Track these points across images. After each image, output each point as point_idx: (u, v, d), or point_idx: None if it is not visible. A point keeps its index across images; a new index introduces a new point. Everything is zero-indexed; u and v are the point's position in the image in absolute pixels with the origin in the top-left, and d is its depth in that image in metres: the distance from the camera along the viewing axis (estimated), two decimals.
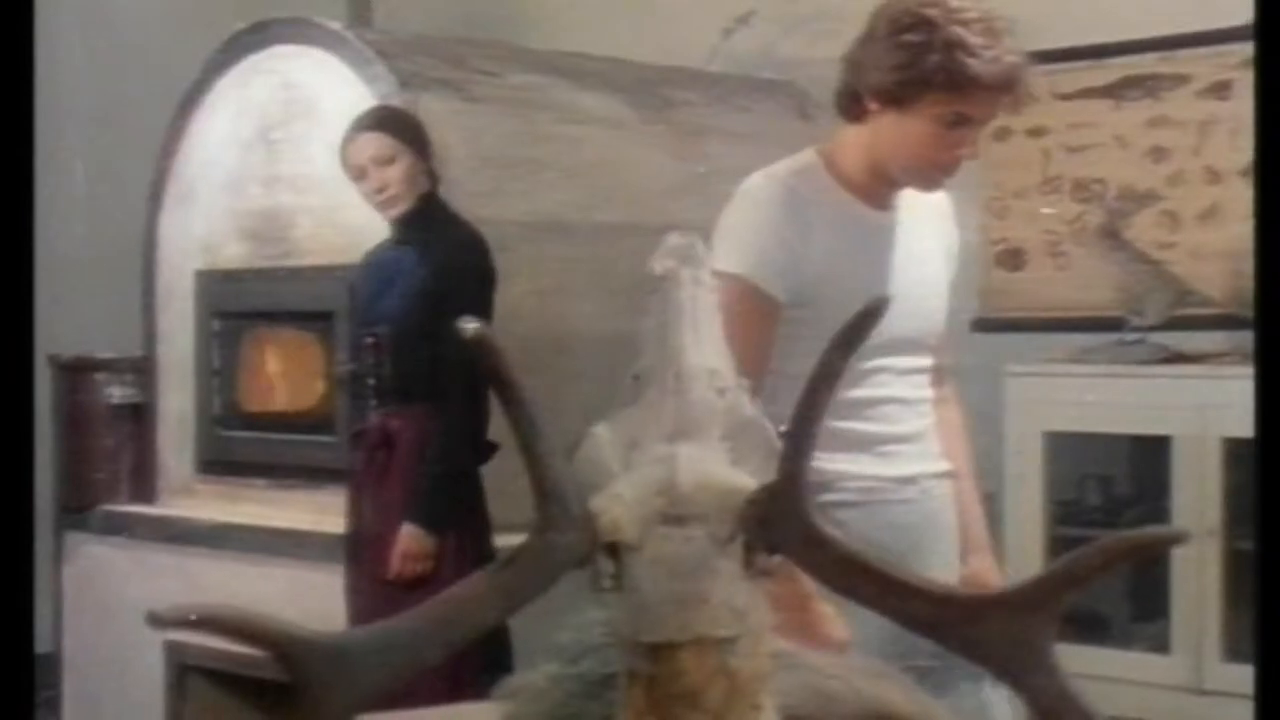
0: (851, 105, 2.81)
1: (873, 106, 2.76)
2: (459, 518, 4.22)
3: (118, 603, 5.35)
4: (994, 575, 3.03)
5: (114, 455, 5.60)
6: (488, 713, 1.84)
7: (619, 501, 1.46)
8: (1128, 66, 4.95)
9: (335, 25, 5.17)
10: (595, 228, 4.93)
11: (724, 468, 1.48)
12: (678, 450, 1.48)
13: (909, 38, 2.68)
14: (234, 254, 5.37)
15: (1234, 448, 4.14)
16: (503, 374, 1.43)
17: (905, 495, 2.86)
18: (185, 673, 5.19)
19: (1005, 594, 1.41)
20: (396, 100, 4.69)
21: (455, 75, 5.02)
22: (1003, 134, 5.24)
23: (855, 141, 2.84)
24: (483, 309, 4.20)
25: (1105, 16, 5.06)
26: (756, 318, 2.73)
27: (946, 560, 2.91)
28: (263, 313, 5.37)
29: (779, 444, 1.48)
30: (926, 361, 2.94)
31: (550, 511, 1.45)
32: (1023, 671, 1.37)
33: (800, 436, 1.43)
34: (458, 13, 6.46)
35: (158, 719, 5.29)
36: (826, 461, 2.76)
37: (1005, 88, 2.70)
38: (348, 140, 4.41)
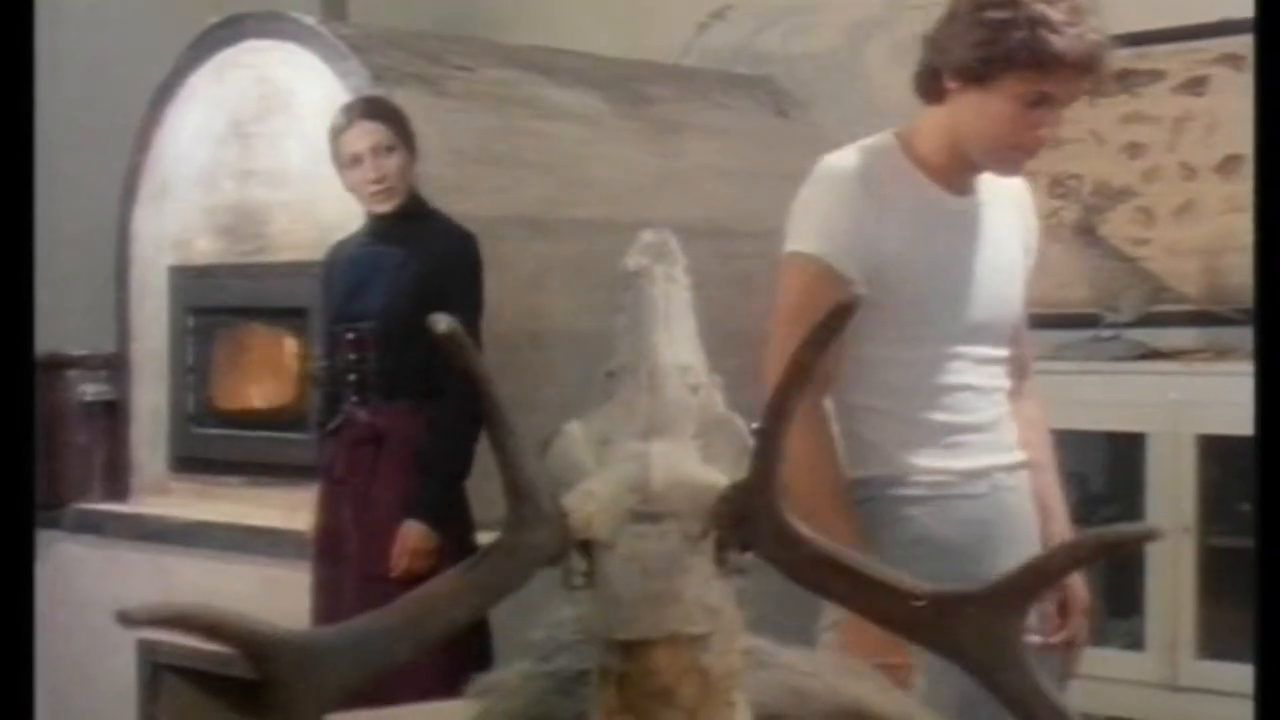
0: (931, 85, 2.77)
1: (952, 85, 2.71)
2: (455, 514, 4.22)
3: (91, 601, 5.32)
4: (1074, 591, 2.97)
5: (87, 453, 5.58)
6: (461, 710, 1.83)
7: (591, 499, 1.45)
8: None
9: (309, 20, 5.16)
10: (570, 223, 4.93)
11: (697, 465, 1.48)
12: (651, 447, 1.47)
13: (992, 14, 2.65)
14: (208, 249, 5.35)
15: (1209, 445, 4.15)
16: (474, 371, 1.42)
17: (975, 489, 2.81)
18: (158, 671, 5.17)
19: (977, 591, 1.41)
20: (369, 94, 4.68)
21: (429, 70, 5.01)
22: None
23: (934, 123, 2.79)
24: (477, 306, 4.23)
25: None
26: (831, 298, 2.70)
27: (1024, 553, 2.84)
28: (237, 309, 5.35)
29: (751, 441, 1.47)
30: (1002, 351, 2.89)
31: (522, 509, 1.44)
32: (994, 668, 1.37)
33: (772, 434, 1.43)
34: (432, 8, 6.45)
35: (131, 718, 5.28)
36: (901, 453, 2.78)
37: (1088, 66, 2.66)
38: (344, 126, 4.36)
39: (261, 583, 4.78)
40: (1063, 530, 2.98)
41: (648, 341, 1.52)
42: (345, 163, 4.35)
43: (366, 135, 4.32)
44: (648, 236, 1.59)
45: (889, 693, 1.80)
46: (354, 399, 4.37)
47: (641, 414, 1.50)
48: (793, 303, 2.76)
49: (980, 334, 2.83)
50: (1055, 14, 2.63)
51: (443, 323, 1.39)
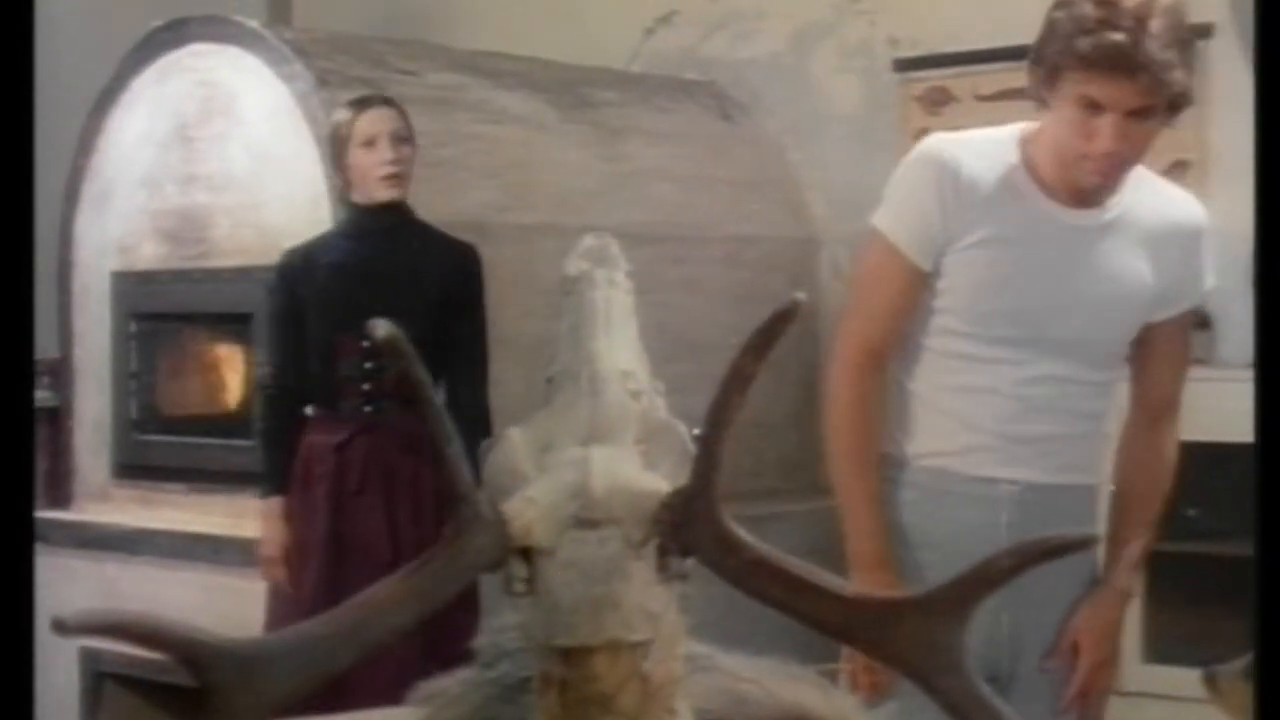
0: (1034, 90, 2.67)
1: (1044, 91, 2.62)
2: None
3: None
4: (1091, 638, 2.80)
5: None
6: (404, 717, 1.83)
7: (532, 505, 1.45)
8: None
9: (253, 23, 5.14)
10: (515, 228, 4.92)
11: (638, 471, 1.47)
12: (591, 453, 1.47)
13: (1053, 14, 2.58)
14: (151, 254, 5.32)
15: None
16: (413, 376, 1.41)
17: (978, 493, 2.72)
18: (101, 680, 5.14)
19: (918, 598, 1.41)
20: (314, 99, 4.66)
21: (374, 74, 5.00)
22: (921, 134, 5.27)
23: (1043, 127, 2.68)
24: (486, 317, 4.37)
25: (1025, 18, 5.09)
26: (890, 278, 2.72)
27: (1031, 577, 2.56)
28: (180, 314, 5.33)
29: (693, 447, 1.47)
30: (1093, 375, 2.75)
31: (463, 514, 1.43)
32: (933, 673, 1.37)
33: (713, 440, 1.42)
34: (377, 11, 6.44)
35: None
36: (908, 439, 2.77)
37: (1115, 69, 2.49)
38: (360, 111, 4.33)
39: (205, 590, 4.75)
40: (1110, 591, 2.84)
41: (589, 347, 1.52)
42: (359, 142, 4.29)
43: (386, 120, 4.32)
44: (589, 241, 1.59)
45: (830, 697, 1.80)
46: (367, 408, 4.29)
47: (582, 419, 1.49)
48: (860, 273, 2.85)
49: (1054, 350, 2.71)
50: (1091, 11, 2.50)
51: (382, 328, 1.38)
